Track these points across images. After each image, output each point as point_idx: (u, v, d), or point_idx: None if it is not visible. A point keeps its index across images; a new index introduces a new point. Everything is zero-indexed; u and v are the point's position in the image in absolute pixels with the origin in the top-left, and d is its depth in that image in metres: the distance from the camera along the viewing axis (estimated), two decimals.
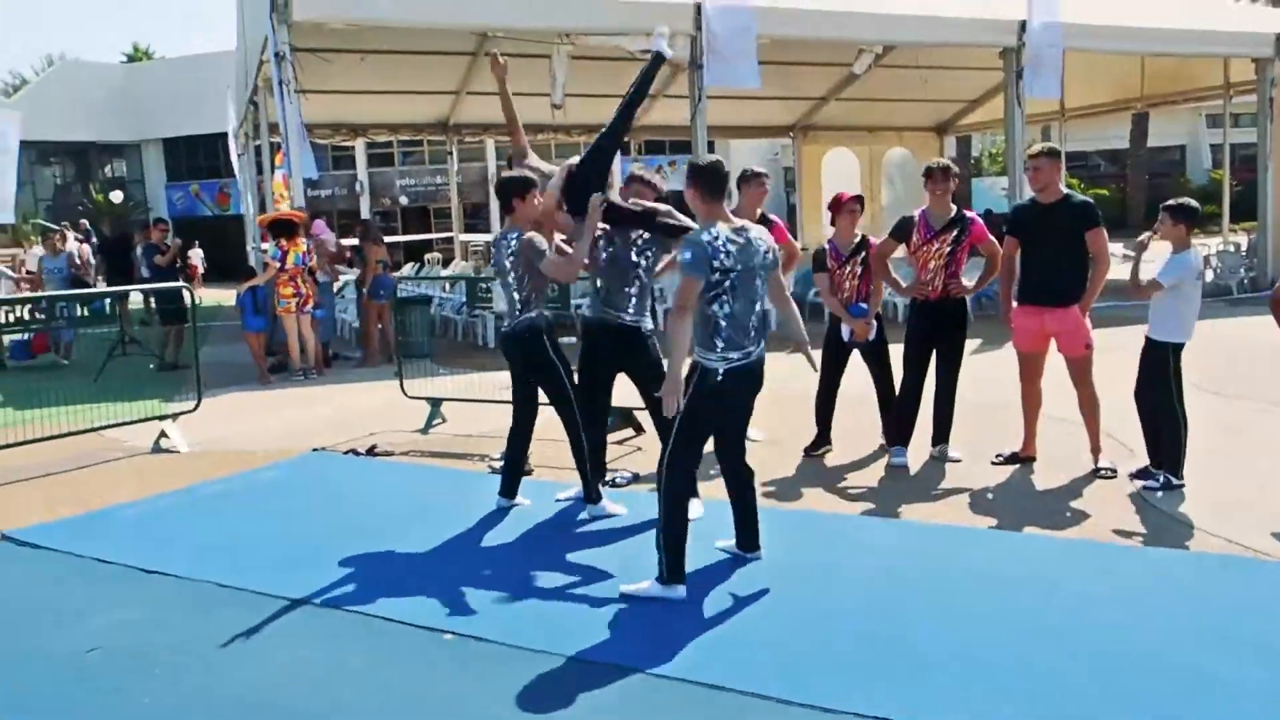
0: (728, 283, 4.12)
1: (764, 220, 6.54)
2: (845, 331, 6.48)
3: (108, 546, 5.13)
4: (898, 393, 6.44)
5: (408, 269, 17.74)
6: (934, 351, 6.33)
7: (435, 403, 8.00)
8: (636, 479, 6.15)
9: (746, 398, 4.38)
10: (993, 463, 6.20)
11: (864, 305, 6.45)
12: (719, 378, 4.16)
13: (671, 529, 4.21)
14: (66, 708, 3.50)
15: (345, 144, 25.89)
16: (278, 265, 10.72)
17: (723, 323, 4.13)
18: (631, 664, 3.63)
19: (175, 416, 7.87)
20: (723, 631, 3.90)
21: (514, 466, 5.56)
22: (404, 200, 36.45)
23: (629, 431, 7.34)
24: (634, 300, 5.30)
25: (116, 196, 34.06)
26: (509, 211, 5.31)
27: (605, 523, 5.27)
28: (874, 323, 6.48)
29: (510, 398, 5.57)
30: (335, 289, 12.27)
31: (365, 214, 33.95)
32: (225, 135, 21.04)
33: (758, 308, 4.22)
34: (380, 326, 11.89)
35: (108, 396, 8.62)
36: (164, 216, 24.92)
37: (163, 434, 7.66)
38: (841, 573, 4.49)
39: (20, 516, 5.78)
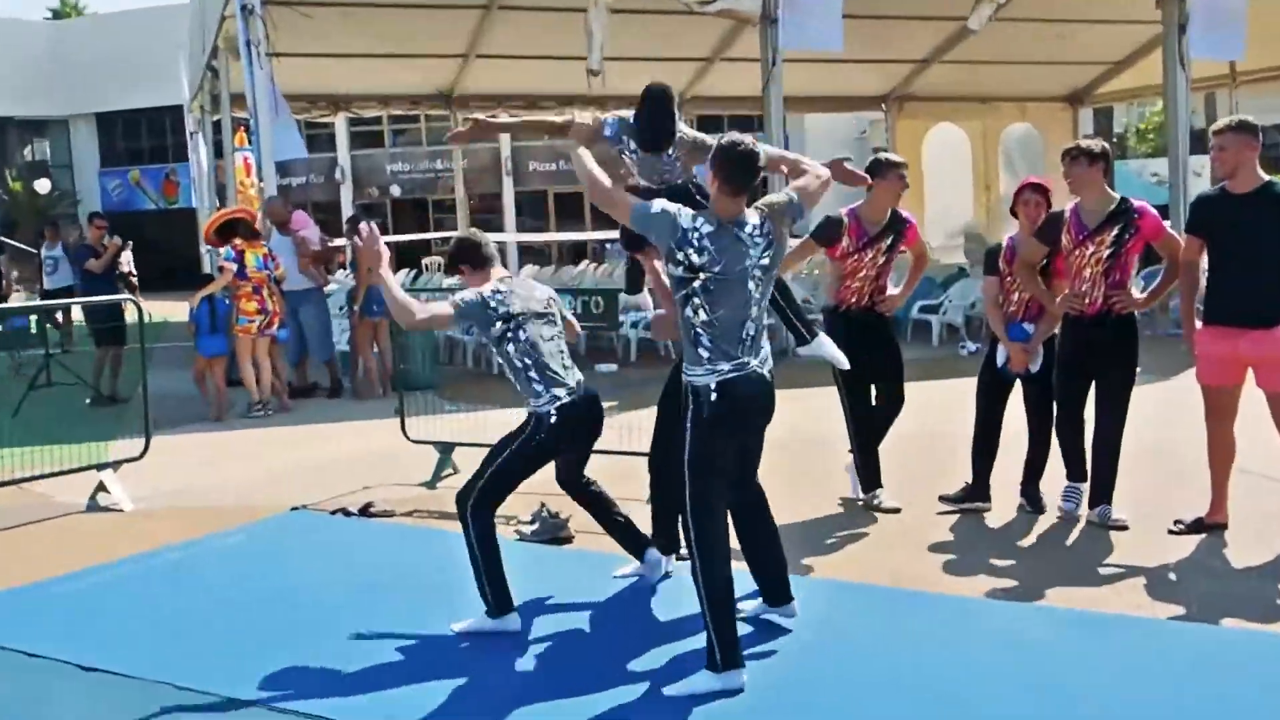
0: (697, 284, 4.26)
1: (897, 219, 6.61)
2: (1001, 356, 6.46)
3: (33, 634, 5.07)
4: (1055, 426, 6.41)
5: (401, 277, 17.78)
6: (1091, 384, 6.26)
7: (445, 448, 7.96)
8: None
9: (755, 420, 4.44)
10: (1171, 531, 6.05)
11: (1028, 326, 6.40)
12: (713, 395, 4.26)
13: (714, 598, 4.21)
14: None
15: (323, 120, 26.10)
16: (234, 269, 10.74)
17: (700, 330, 4.29)
18: None
19: (117, 465, 7.83)
20: None
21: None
22: (396, 190, 36.75)
23: None
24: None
25: (42, 186, 34.61)
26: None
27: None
28: (1039, 351, 6.40)
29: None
30: (332, 299, 12.20)
31: (347, 206, 34.28)
32: (174, 109, 21.31)
33: (753, 315, 4.33)
34: (377, 350, 11.87)
35: (30, 439, 8.63)
36: (98, 210, 25.29)
37: (101, 487, 7.64)
38: (983, 686, 4.32)
39: None
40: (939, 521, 6.49)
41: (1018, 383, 6.54)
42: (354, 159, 36.61)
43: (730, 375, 4.27)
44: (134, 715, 4.28)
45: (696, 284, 4.26)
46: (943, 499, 6.71)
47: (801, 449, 8.26)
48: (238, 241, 10.86)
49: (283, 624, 5.19)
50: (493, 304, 4.92)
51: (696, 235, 4.26)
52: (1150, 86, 18.36)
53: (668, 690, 4.22)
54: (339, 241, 14.14)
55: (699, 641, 4.34)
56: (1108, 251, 6.09)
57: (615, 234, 5.11)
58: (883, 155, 6.77)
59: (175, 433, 9.77)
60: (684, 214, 4.31)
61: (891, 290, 6.84)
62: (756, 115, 15.17)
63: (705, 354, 4.28)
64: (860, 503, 6.84)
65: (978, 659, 4.54)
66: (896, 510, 6.67)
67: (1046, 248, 6.30)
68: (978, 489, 6.65)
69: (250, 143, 13.23)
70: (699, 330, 4.29)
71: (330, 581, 5.80)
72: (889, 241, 6.72)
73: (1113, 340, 6.16)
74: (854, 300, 6.75)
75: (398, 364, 9.58)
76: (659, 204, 4.37)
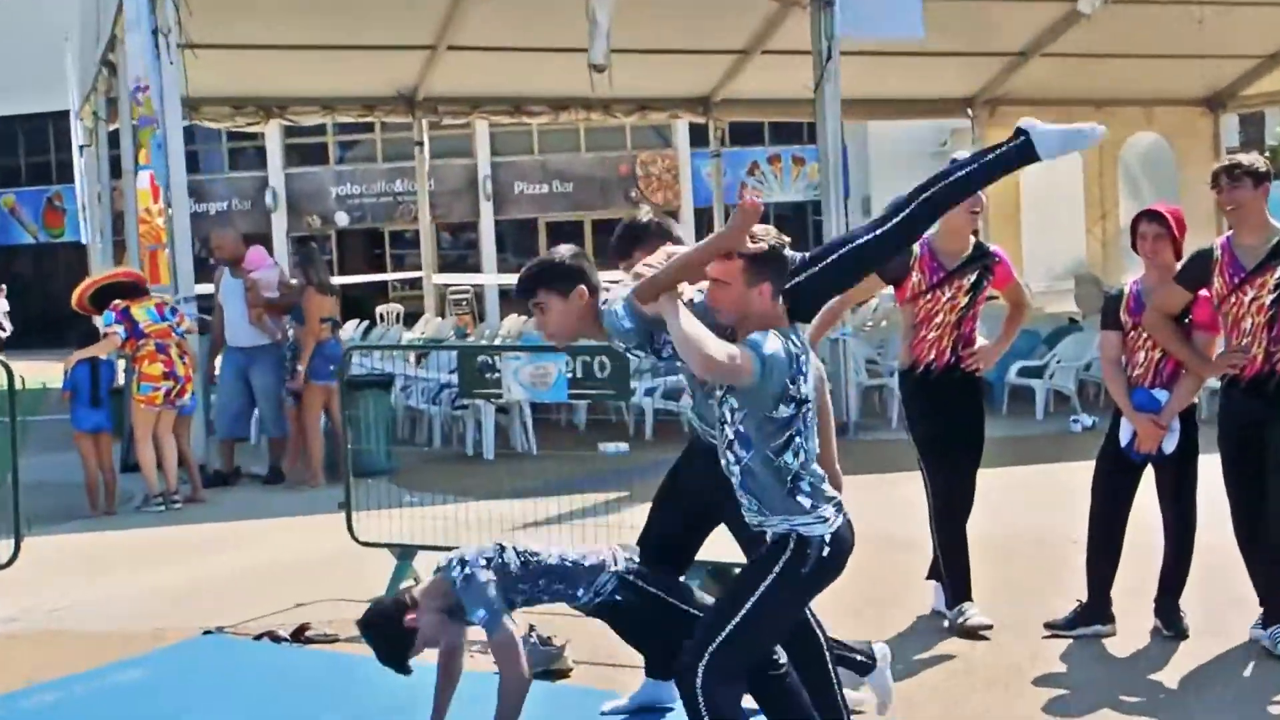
0: (801, 419, 4.35)
1: (983, 251, 6.70)
2: (1125, 433, 6.46)
3: None
4: (1233, 524, 6.39)
5: (350, 330, 17.86)
6: (1260, 458, 6.24)
7: (404, 552, 7.90)
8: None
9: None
10: None
11: (1159, 394, 6.39)
12: (825, 550, 4.33)
13: None
14: None
15: (251, 130, 26.37)
16: (118, 333, 10.79)
17: (801, 473, 4.36)
18: None
19: None
20: None
21: None
22: (342, 219, 37.05)
23: None
24: None
25: None
26: None
27: None
28: (1175, 426, 6.39)
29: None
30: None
31: (280, 239, 34.50)
32: (60, 116, 21.51)
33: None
34: (329, 421, 11.83)
35: None
36: None
37: None
38: None
39: None
40: (1045, 647, 6.44)
41: (1149, 467, 6.53)
42: (289, 179, 36.94)
43: (839, 524, 4.34)
44: None
45: (801, 419, 4.33)
46: (1049, 625, 6.66)
47: (875, 550, 8.20)
48: (117, 302, 10.93)
49: None
50: (792, 371, 4.34)
51: (799, 359, 4.32)
52: None
53: None
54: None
55: None
56: (1270, 296, 6.10)
57: (619, 275, 5.05)
58: None
59: (54, 532, 9.76)
60: (782, 338, 4.30)
61: (982, 342, 6.88)
62: (806, 122, 15.30)
63: (808, 501, 4.33)
64: (945, 621, 6.80)
65: None
66: (987, 628, 6.62)
67: (1189, 293, 6.31)
68: (1096, 607, 6.61)
69: (154, 158, 13.28)
70: (800, 473, 4.33)
71: None
72: (972, 278, 6.77)
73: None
74: (933, 356, 6.77)
75: (344, 443, 9.55)
76: (770, 342, 4.24)
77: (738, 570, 4.92)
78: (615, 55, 13.43)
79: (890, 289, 6.98)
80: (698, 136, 29.64)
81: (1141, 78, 19.88)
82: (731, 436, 4.32)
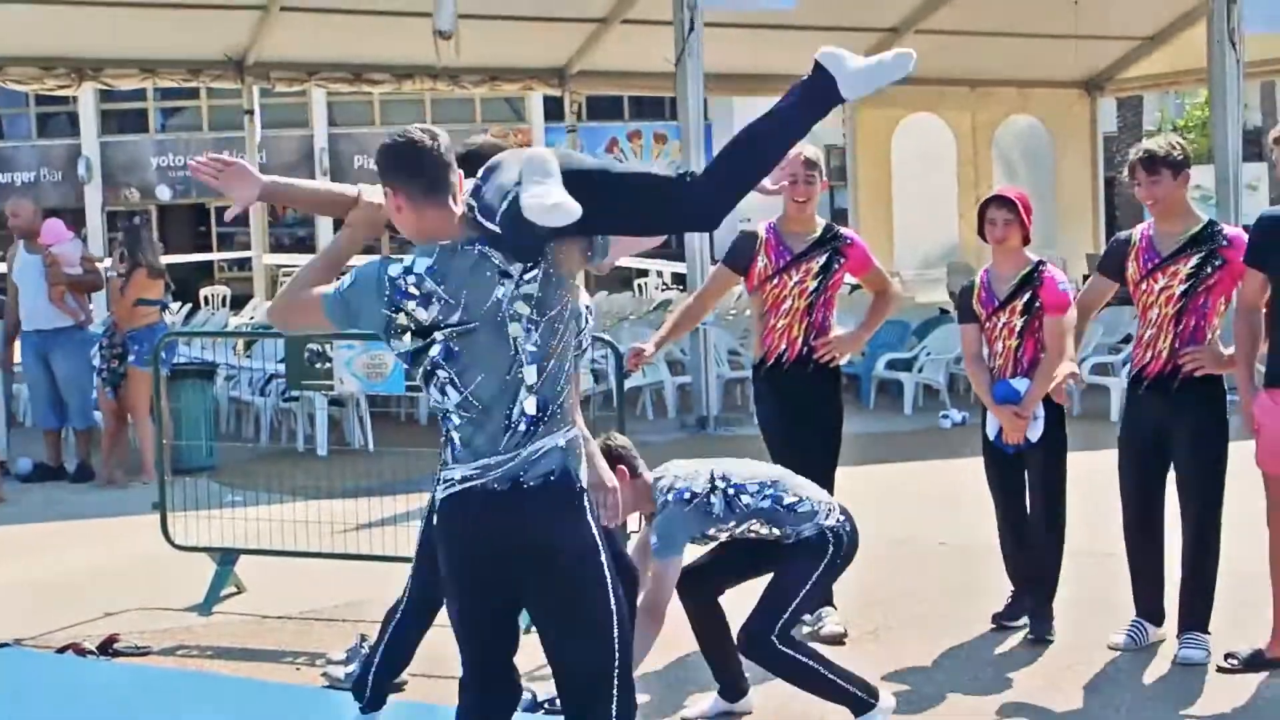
0: (436, 351, 3.92)
1: (832, 236, 6.80)
2: (992, 428, 6.62)
3: None
4: (1124, 531, 6.54)
5: (172, 317, 17.59)
6: (1169, 465, 6.42)
7: (226, 557, 7.84)
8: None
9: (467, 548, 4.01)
10: (1221, 669, 6.16)
11: (1017, 384, 6.51)
12: (435, 506, 4.07)
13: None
14: None
15: (61, 94, 25.76)
16: None
17: (451, 422, 3.96)
18: None
19: None
20: None
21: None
22: (164, 193, 36.55)
23: None
24: None
25: None
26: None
27: None
28: (1038, 415, 6.51)
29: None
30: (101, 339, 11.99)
31: (94, 213, 33.89)
32: None
33: (513, 383, 3.92)
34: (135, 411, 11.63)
35: None
36: None
37: None
38: None
39: None
40: (905, 650, 6.56)
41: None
42: (105, 148, 36.33)
43: (456, 488, 4.01)
44: None
45: (435, 351, 4.02)
46: (995, 617, 6.82)
47: None
48: None
49: None
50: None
51: (407, 278, 4.17)
52: (1191, 71, 18.94)
53: None
54: (105, 262, 13.92)
55: None
56: (1180, 288, 6.27)
57: None
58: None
59: None
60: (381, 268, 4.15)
61: (839, 331, 6.94)
62: (669, 97, 15.35)
63: (449, 456, 4.03)
64: (804, 628, 6.87)
65: None
66: (843, 636, 6.75)
67: (1114, 281, 6.52)
68: (1022, 597, 6.77)
69: None
70: (448, 422, 4.01)
71: None
72: (821, 261, 6.78)
73: (1186, 406, 6.28)
74: (784, 346, 6.81)
75: (160, 437, 9.40)
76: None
77: None
78: (463, 21, 13.41)
79: None
80: (553, 110, 29.63)
81: (1018, 59, 20.26)
82: None
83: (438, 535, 4.03)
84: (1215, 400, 6.31)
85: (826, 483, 6.77)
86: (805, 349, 6.79)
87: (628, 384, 9.54)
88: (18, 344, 12.41)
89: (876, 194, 20.95)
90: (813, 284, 6.77)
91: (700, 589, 5.66)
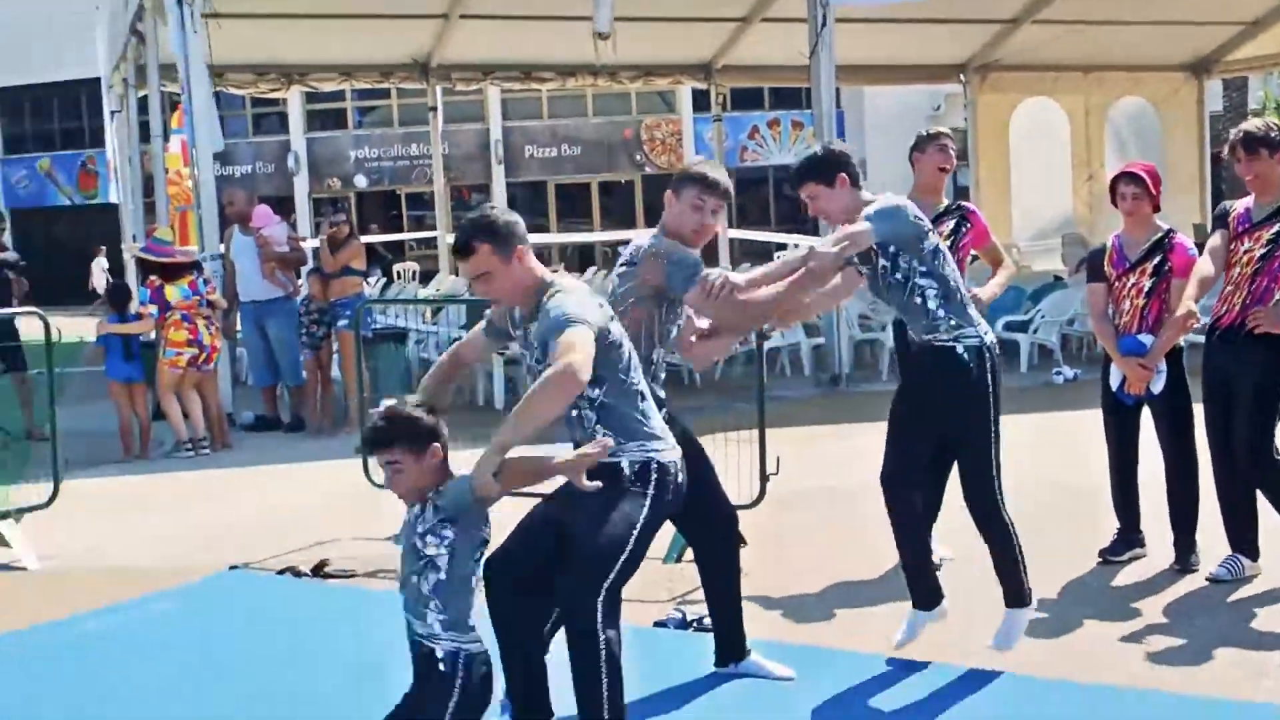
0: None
1: (955, 210, 6.82)
2: (1115, 379, 6.58)
3: None
4: (1213, 468, 6.46)
5: (371, 288, 17.92)
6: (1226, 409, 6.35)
7: None
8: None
9: None
10: None
11: (1145, 338, 6.46)
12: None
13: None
14: None
15: (273, 96, 26.34)
16: (152, 312, 11.00)
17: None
18: None
19: (19, 514, 7.96)
20: None
21: None
22: (361, 181, 37.01)
23: None
24: None
25: None
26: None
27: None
28: (1161, 369, 6.47)
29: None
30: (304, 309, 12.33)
31: (302, 201, 34.51)
32: (92, 83, 21.48)
33: None
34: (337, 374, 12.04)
35: None
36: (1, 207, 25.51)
37: (0, 541, 7.74)
38: None
39: None
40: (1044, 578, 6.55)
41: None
42: (310, 143, 36.85)
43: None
44: None
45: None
46: (1101, 553, 6.81)
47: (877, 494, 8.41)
48: (153, 279, 11.11)
49: (218, 709, 5.27)
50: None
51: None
52: None
53: None
54: (311, 242, 14.30)
55: None
56: (1261, 250, 6.20)
57: (629, 233, 5.22)
58: (923, 130, 7.06)
59: (89, 476, 9.89)
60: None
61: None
62: (804, 87, 15.28)
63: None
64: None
65: None
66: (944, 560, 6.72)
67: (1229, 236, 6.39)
68: (1127, 536, 6.80)
69: (186, 123, 13.37)
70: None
71: (275, 657, 5.88)
72: (951, 225, 6.83)
73: (1250, 358, 6.19)
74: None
75: (363, 392, 9.69)
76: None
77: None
78: (619, 23, 13.42)
79: None
80: (700, 101, 29.61)
81: (1128, 44, 19.75)
82: None
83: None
84: (1276, 356, 6.21)
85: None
86: None
87: (767, 345, 9.59)
88: (238, 314, 12.83)
89: (996, 172, 20.61)
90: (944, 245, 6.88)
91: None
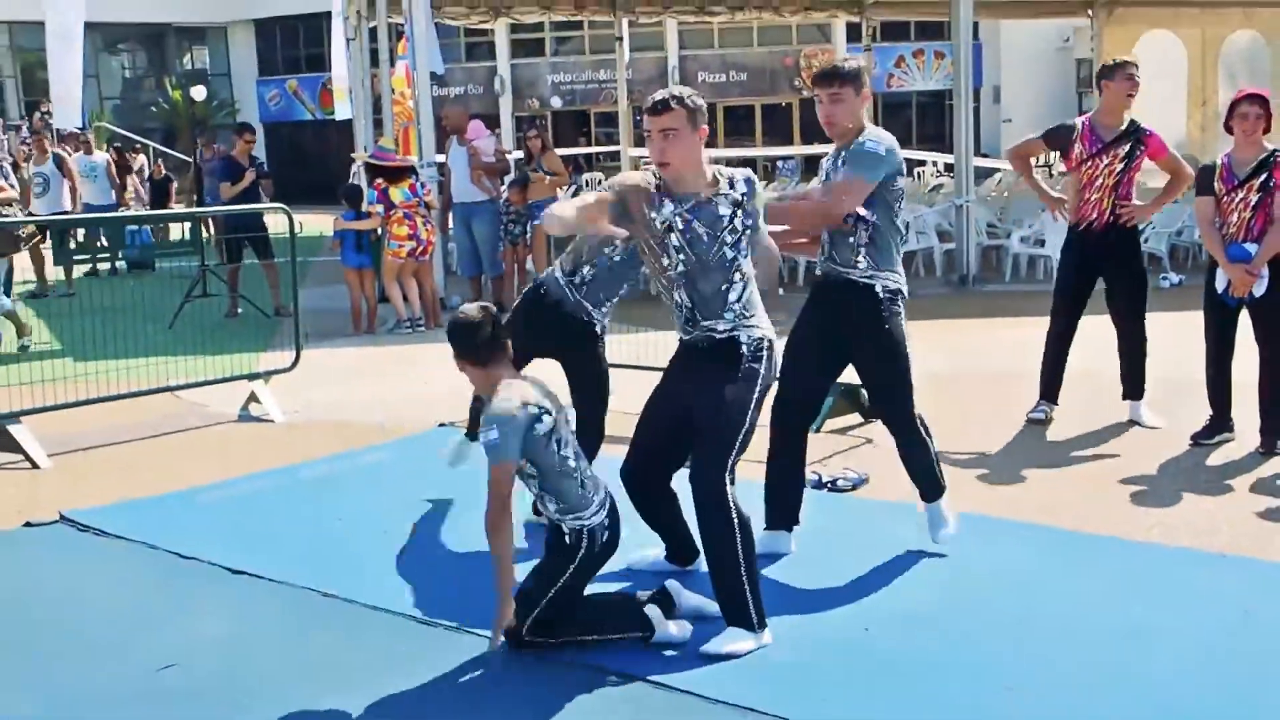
0: None
1: (1136, 127, 6.83)
2: (1221, 282, 6.43)
3: (187, 538, 5.43)
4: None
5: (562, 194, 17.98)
6: None
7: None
8: (865, 482, 6.10)
9: None
10: None
11: (1250, 247, 6.31)
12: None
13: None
14: None
15: (482, 27, 26.48)
16: (379, 210, 11.24)
17: None
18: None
19: (268, 376, 8.27)
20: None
21: None
22: (556, 102, 37.02)
23: (854, 418, 7.29)
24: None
25: (199, 93, 35.85)
26: None
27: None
28: (1263, 274, 6.31)
29: None
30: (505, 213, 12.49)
31: (506, 118, 34.70)
32: (330, 16, 21.73)
33: None
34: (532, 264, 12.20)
35: (184, 349, 9.11)
36: (256, 121, 26.11)
37: (253, 398, 8.06)
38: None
39: (81, 494, 6.20)
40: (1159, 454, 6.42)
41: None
42: (514, 68, 36.93)
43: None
44: (277, 617, 4.60)
45: None
46: (1193, 437, 6.67)
47: (991, 379, 8.28)
48: (379, 181, 11.32)
49: (424, 538, 5.45)
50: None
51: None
52: None
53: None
54: (515, 154, 14.42)
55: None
56: None
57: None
58: (1113, 58, 7.03)
59: (325, 347, 10.18)
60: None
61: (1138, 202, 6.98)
62: (946, 21, 14.84)
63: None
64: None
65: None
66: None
67: None
68: (1218, 422, 6.66)
69: (408, 51, 13.49)
70: None
71: (472, 498, 6.01)
72: (1126, 148, 6.79)
73: None
74: (1094, 215, 6.89)
75: None
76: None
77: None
78: None
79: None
80: (853, 33, 28.86)
81: None
82: None
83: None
84: None
85: (1139, 311, 7.00)
86: (1112, 218, 6.85)
87: (906, 248, 9.42)
88: (450, 214, 13.02)
89: None
90: (1119, 166, 6.81)
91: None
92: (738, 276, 4.27)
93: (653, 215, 4.27)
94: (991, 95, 32.17)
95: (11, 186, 13.09)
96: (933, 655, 4.10)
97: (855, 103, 4.83)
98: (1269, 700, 3.75)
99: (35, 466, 6.77)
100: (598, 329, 5.47)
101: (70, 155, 16.58)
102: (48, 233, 13.91)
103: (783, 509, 5.09)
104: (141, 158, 24.48)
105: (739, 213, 4.26)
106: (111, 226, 16.53)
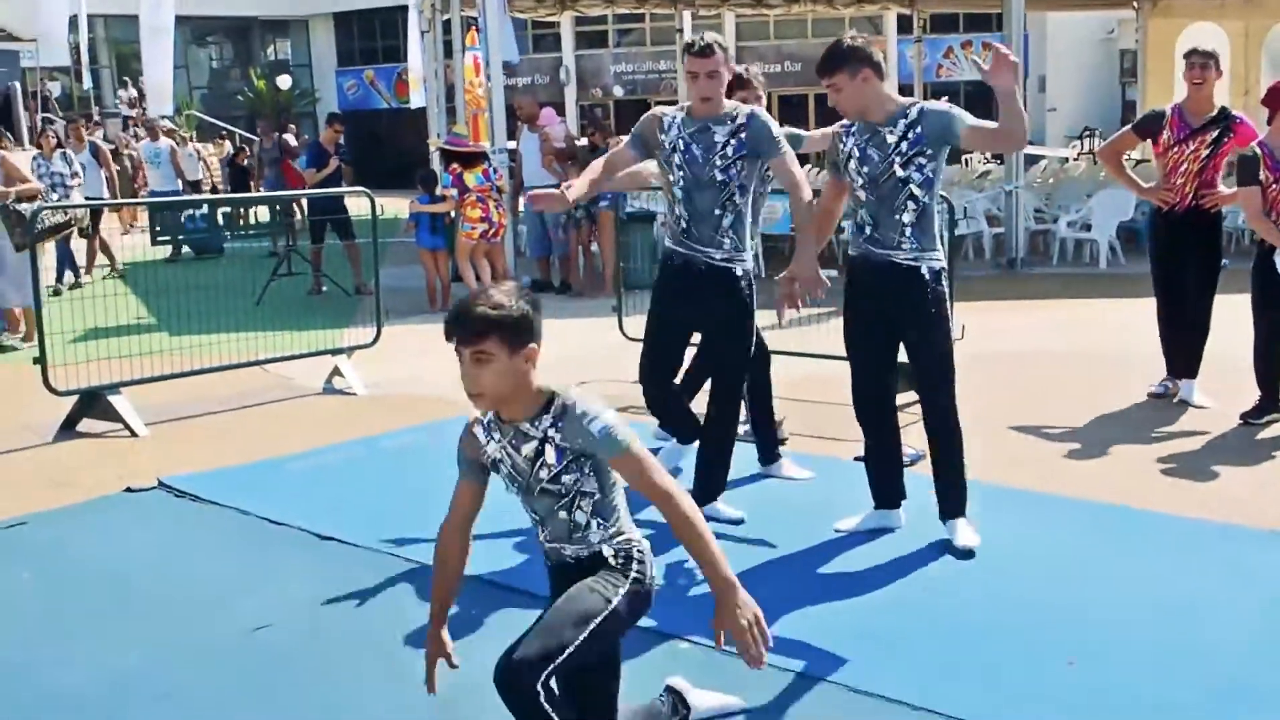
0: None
1: (1226, 115, 6.68)
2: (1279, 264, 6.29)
3: (276, 504, 5.46)
4: None
5: None
6: None
7: None
8: (923, 458, 6.00)
9: None
10: None
11: None
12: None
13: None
14: (228, 699, 3.73)
15: (549, 19, 26.38)
16: (453, 194, 11.23)
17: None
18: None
19: (350, 351, 8.29)
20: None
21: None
22: (618, 91, 36.86)
23: (912, 395, 7.19)
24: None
25: (284, 82, 36.08)
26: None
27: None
28: None
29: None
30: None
31: (571, 107, 34.62)
32: (404, 10, 21.79)
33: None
34: (597, 247, 12.16)
35: (271, 325, 9.16)
36: (335, 109, 26.21)
37: (336, 372, 8.09)
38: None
39: (176, 461, 6.24)
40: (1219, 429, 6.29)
41: None
42: (578, 59, 36.83)
43: None
44: (362, 582, 4.60)
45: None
46: (1242, 416, 6.51)
47: (1044, 358, 8.15)
48: (455, 166, 11.31)
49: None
50: None
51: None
52: None
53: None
54: (581, 141, 14.37)
55: None
56: None
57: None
58: (1195, 47, 6.95)
59: (403, 323, 10.20)
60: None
61: (1222, 189, 6.82)
62: (994, 13, 14.60)
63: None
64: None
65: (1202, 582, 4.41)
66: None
67: None
68: (1268, 400, 6.49)
69: (479, 41, 13.48)
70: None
71: None
72: (1213, 135, 6.65)
73: None
74: (1176, 199, 6.75)
75: (618, 262, 9.73)
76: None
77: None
78: None
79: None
80: (904, 25, 28.60)
81: None
82: None
83: None
84: None
85: (1208, 296, 6.80)
86: (1194, 203, 6.71)
87: (957, 232, 9.29)
88: (521, 198, 13.00)
89: (1162, 88, 19.41)
90: (1205, 153, 6.66)
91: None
92: (729, 205, 4.87)
93: (661, 137, 4.95)
94: (1037, 85, 31.64)
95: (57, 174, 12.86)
96: (990, 625, 4.03)
97: (856, 85, 4.56)
98: None
99: (134, 435, 6.84)
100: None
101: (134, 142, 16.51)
102: (89, 216, 12.98)
103: (888, 490, 4.97)
104: (226, 144, 24.70)
105: (732, 140, 4.82)
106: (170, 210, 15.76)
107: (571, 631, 2.83)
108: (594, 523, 3.02)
